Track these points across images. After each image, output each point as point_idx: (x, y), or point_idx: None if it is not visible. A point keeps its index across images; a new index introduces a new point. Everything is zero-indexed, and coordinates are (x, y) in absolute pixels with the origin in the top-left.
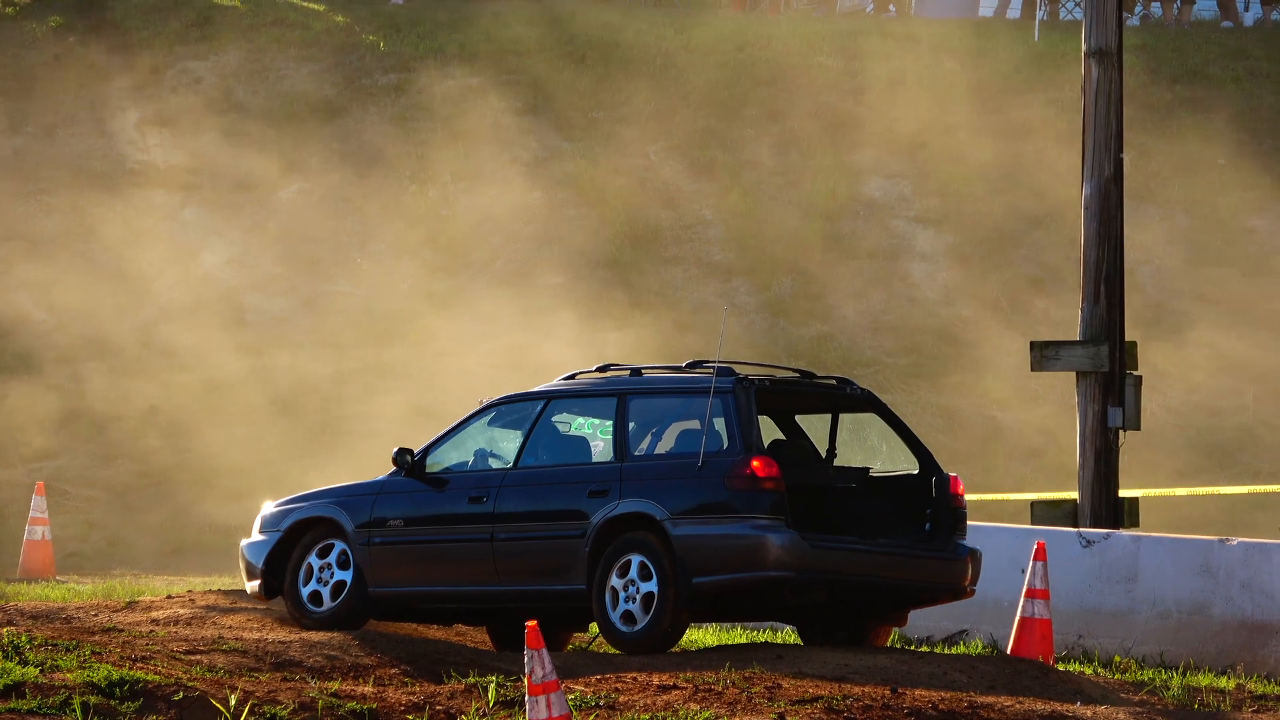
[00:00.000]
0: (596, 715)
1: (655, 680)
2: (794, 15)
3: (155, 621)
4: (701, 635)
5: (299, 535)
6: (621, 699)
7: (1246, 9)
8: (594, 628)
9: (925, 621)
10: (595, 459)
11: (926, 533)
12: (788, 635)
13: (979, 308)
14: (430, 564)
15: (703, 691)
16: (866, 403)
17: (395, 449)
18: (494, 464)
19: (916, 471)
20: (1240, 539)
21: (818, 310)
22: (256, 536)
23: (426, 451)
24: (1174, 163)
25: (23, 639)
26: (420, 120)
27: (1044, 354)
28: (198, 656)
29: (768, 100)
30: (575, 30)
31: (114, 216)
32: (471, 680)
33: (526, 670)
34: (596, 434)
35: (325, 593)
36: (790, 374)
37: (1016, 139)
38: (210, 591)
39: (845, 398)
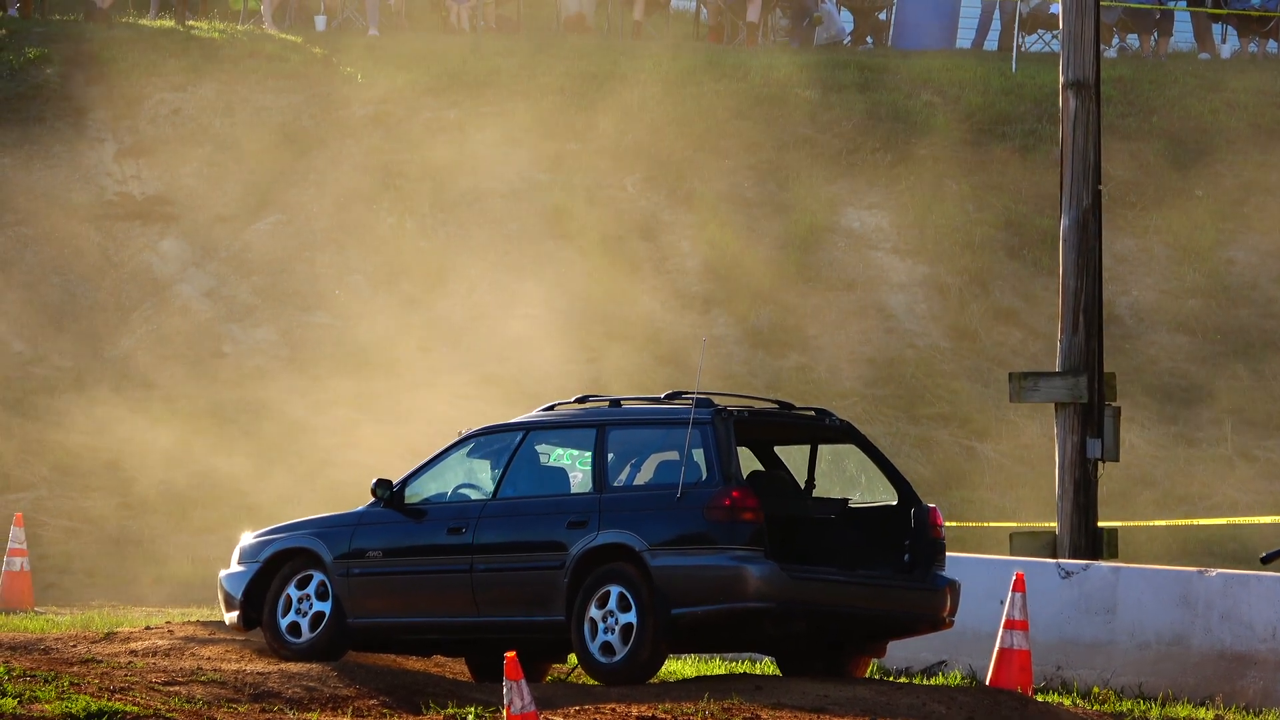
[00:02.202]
0: None
1: (634, 711)
2: (771, 47)
3: (134, 653)
4: (680, 666)
5: (278, 566)
6: None
7: (1224, 41)
8: (573, 659)
9: (904, 652)
10: (574, 490)
11: (905, 564)
12: (766, 666)
13: (957, 339)
14: (409, 595)
15: None
16: (845, 434)
17: (374, 480)
18: (473, 495)
19: (895, 502)
20: (1219, 570)
21: (796, 341)
22: (235, 568)
23: (405, 483)
24: (1152, 194)
25: (1, 670)
26: (397, 152)
27: (1023, 385)
28: (176, 688)
29: (745, 132)
30: (552, 62)
31: (91, 248)
32: (450, 711)
33: (505, 701)
34: (575, 465)
35: (304, 624)
36: (769, 405)
37: (994, 170)
38: (189, 623)
39: (824, 429)
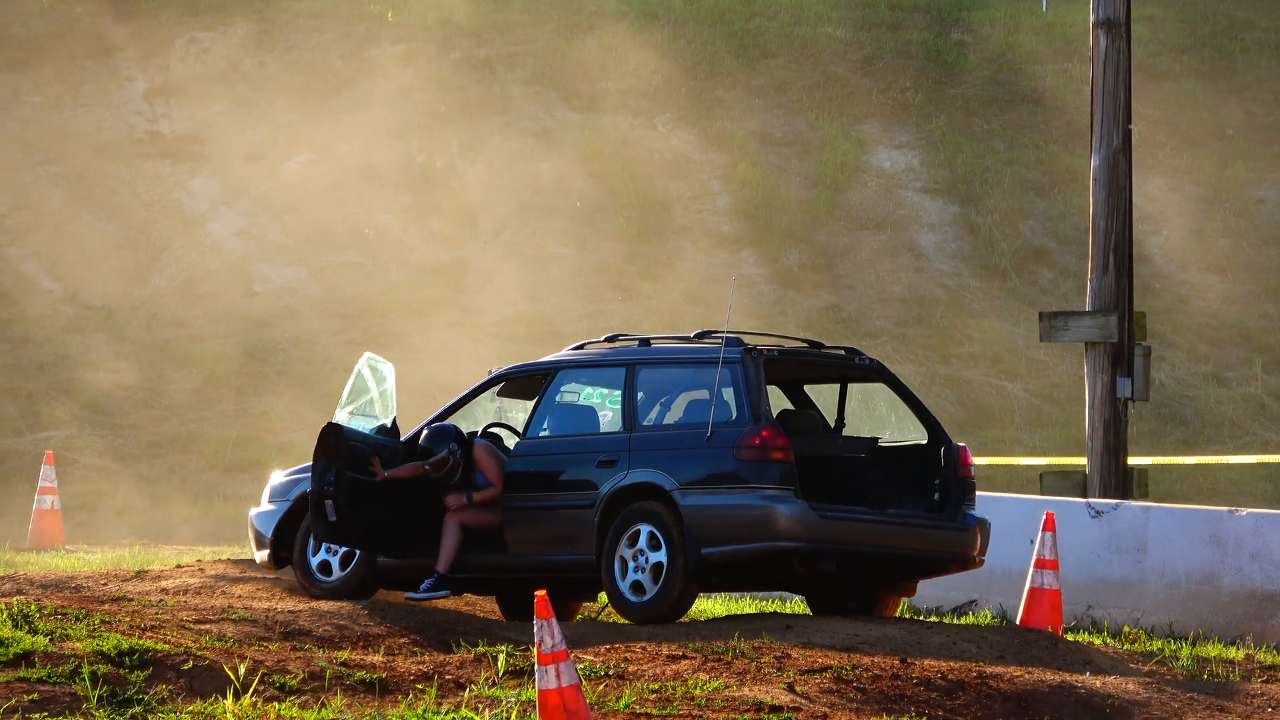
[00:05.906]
0: (606, 685)
1: (664, 650)
2: None
3: (164, 591)
4: (710, 605)
5: (308, 505)
6: (630, 668)
7: None
8: (603, 597)
9: (934, 592)
10: (604, 429)
11: (935, 503)
12: (797, 605)
13: (987, 278)
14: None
15: (712, 661)
16: (875, 373)
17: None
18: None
19: (925, 442)
20: (1249, 509)
21: (826, 281)
22: (265, 506)
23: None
24: (1182, 133)
25: (32, 608)
26: (428, 91)
27: (1053, 324)
28: (207, 626)
29: (775, 71)
30: (583, 0)
31: (122, 187)
32: (481, 650)
33: (536, 640)
34: (605, 404)
35: (334, 562)
36: (799, 344)
37: (1024, 109)
38: (219, 561)
39: (854, 368)
